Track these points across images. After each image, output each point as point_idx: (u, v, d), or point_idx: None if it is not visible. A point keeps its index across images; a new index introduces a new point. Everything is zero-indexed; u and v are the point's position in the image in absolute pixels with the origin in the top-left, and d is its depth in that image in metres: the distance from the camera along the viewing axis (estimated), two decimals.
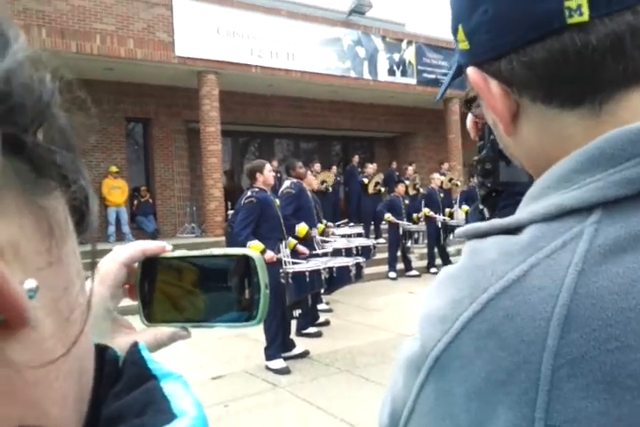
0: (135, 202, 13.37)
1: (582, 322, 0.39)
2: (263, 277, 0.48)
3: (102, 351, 0.39)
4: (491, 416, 0.40)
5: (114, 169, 12.84)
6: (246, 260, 0.48)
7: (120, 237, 12.66)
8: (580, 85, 0.46)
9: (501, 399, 0.40)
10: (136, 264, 0.53)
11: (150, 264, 0.53)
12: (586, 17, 0.44)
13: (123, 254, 0.53)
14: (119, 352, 0.40)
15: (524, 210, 0.47)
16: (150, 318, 0.53)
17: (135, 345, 0.41)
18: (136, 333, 0.55)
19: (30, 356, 0.25)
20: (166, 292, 0.52)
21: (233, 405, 4.30)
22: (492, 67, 0.50)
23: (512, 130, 0.52)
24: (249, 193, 5.52)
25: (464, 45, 0.53)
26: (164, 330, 0.54)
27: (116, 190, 12.81)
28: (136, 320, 0.56)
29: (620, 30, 0.44)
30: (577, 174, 0.45)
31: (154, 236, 13.03)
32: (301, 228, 6.21)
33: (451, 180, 12.69)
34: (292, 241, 6.03)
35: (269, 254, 5.28)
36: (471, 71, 0.52)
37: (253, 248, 5.21)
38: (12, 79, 0.24)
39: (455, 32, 0.54)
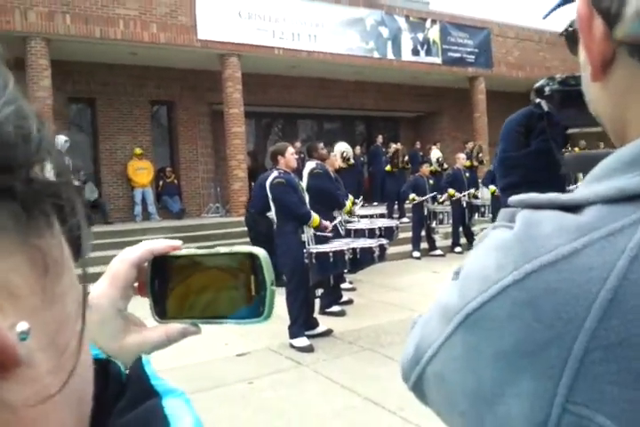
0: (160, 183, 13.55)
1: (626, 309, 0.38)
2: (269, 274, 0.49)
3: (106, 366, 0.40)
4: (512, 381, 0.41)
5: (138, 151, 13.01)
6: (252, 258, 0.49)
7: (146, 217, 12.88)
8: None
9: (526, 368, 0.40)
10: (145, 264, 0.55)
11: (160, 262, 0.54)
12: None
13: (132, 255, 0.54)
14: (122, 366, 0.41)
15: (586, 189, 0.45)
16: (161, 314, 0.55)
17: (139, 360, 0.42)
18: (147, 330, 0.57)
19: (27, 394, 0.25)
20: (176, 289, 0.53)
21: (257, 382, 4.38)
22: (603, 4, 0.45)
23: (600, 76, 0.48)
24: (275, 173, 5.54)
25: None
26: (175, 326, 0.55)
27: (142, 171, 12.99)
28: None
29: None
30: None
31: (179, 216, 13.23)
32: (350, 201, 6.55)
33: (478, 154, 12.56)
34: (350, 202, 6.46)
35: (326, 222, 5.66)
36: (580, 2, 0.48)
37: (315, 220, 5.48)
38: (1, 131, 0.25)
39: None
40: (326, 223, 5.64)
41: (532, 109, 0.82)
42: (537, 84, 0.78)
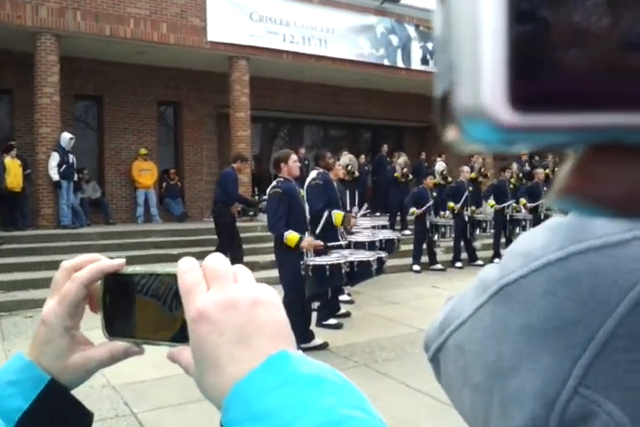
0: (164, 184, 13.53)
1: None
2: None
3: None
4: (532, 355, 0.41)
5: (143, 151, 12.99)
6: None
7: (148, 219, 12.85)
8: None
9: (549, 344, 0.40)
10: (96, 283, 0.56)
11: (110, 280, 0.55)
12: None
13: (83, 275, 0.55)
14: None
15: None
16: (110, 332, 0.56)
17: None
18: (92, 348, 0.57)
19: None
20: (122, 308, 0.54)
21: None
22: None
23: None
24: (274, 183, 5.55)
25: None
26: (119, 345, 0.56)
27: (146, 173, 12.96)
28: None
29: None
30: None
31: (181, 219, 13.20)
32: (337, 214, 6.23)
33: (481, 168, 12.58)
34: (340, 213, 6.18)
35: (307, 240, 5.36)
36: None
37: (290, 239, 5.26)
38: None
39: None
40: (306, 242, 5.34)
41: None
42: None
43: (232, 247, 8.59)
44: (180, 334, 0.49)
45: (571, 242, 0.42)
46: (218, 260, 0.47)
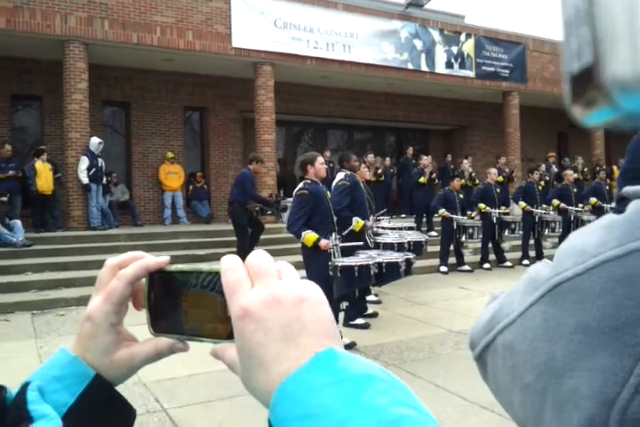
0: (190, 187, 13.68)
1: None
2: None
3: None
4: (588, 355, 0.40)
5: (170, 155, 13.17)
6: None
7: (175, 221, 13.01)
8: None
9: (607, 344, 0.39)
10: (141, 280, 0.56)
11: (155, 277, 0.56)
12: None
13: (128, 273, 0.55)
14: (11, 394, 0.44)
15: None
16: (156, 328, 0.56)
17: (25, 386, 0.43)
18: (138, 344, 0.58)
19: None
20: (167, 304, 0.54)
21: None
22: None
23: None
24: (301, 185, 5.57)
25: None
26: (164, 341, 0.56)
27: (173, 175, 13.13)
28: None
29: None
30: None
31: (207, 221, 13.33)
32: (358, 222, 6.23)
33: (512, 172, 12.48)
34: (360, 222, 6.19)
35: (324, 242, 5.33)
36: None
37: (308, 239, 5.28)
38: None
39: None
40: (324, 244, 5.36)
41: None
42: None
43: (252, 240, 8.69)
44: (226, 331, 0.49)
45: (629, 239, 0.41)
46: (261, 257, 0.47)
